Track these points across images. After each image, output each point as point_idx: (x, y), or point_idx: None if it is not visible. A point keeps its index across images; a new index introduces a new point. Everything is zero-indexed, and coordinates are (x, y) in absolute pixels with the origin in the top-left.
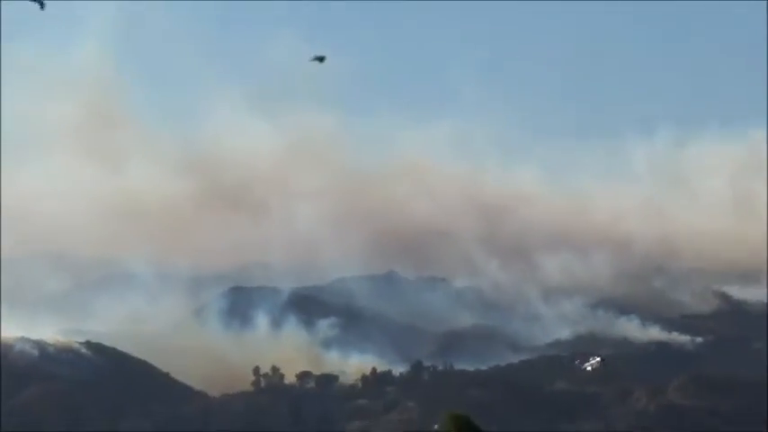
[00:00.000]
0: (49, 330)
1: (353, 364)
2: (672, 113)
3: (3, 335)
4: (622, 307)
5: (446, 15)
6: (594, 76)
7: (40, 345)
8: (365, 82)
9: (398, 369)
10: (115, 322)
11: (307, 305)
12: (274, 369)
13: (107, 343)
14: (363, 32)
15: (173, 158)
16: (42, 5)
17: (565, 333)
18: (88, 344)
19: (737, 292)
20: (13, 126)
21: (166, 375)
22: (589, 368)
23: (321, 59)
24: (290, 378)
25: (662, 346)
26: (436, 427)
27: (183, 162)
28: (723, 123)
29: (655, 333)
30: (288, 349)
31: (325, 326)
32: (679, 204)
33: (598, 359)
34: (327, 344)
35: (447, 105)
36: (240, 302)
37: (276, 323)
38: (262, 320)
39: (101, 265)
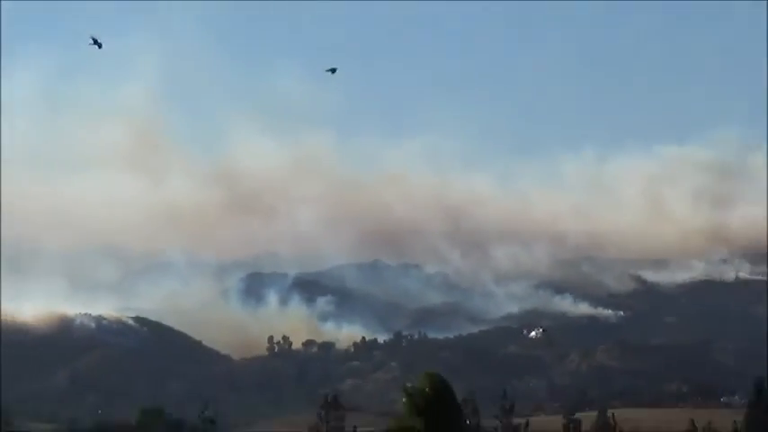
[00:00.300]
0: (105, 307)
1: (347, 334)
2: (596, 134)
3: (68, 311)
4: (558, 288)
5: (419, 54)
6: (536, 102)
7: (97, 319)
8: (354, 107)
9: (383, 337)
10: (157, 301)
11: (308, 287)
12: (284, 338)
13: (151, 317)
14: (353, 65)
15: (202, 173)
16: (100, 46)
17: (514, 308)
18: (136, 318)
19: (650, 275)
20: (77, 146)
21: (199, 343)
22: (533, 336)
23: (333, 71)
24: (296, 345)
25: (591, 319)
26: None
27: (210, 175)
28: (638, 142)
29: (585, 308)
30: (293, 321)
31: (322, 303)
32: (602, 207)
33: (540, 329)
34: (324, 317)
35: (419, 126)
36: (255, 285)
37: (283, 301)
38: (272, 299)
39: (145, 256)
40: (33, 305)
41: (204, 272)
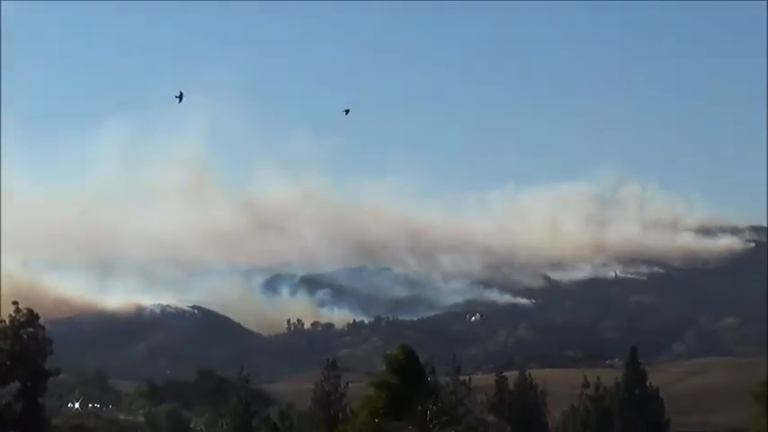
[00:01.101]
0: (169, 299)
1: (341, 317)
2: (514, 173)
3: (143, 302)
4: (488, 284)
5: (389, 114)
6: (471, 150)
7: (164, 307)
8: (345, 155)
9: (367, 320)
10: (206, 294)
11: (310, 284)
12: (298, 320)
13: (205, 306)
14: (344, 124)
15: (236, 203)
16: (181, 99)
17: (458, 299)
18: (193, 306)
19: (554, 275)
20: (149, 184)
21: (238, 325)
22: (474, 319)
23: (347, 112)
24: (307, 325)
25: (513, 306)
26: (388, 353)
27: (242, 205)
28: (543, 178)
29: (508, 298)
30: (300, 307)
31: (321, 294)
32: (518, 226)
33: (479, 315)
34: (323, 304)
35: (390, 169)
36: (273, 283)
37: (293, 293)
38: (285, 292)
39: (196, 263)
40: (116, 297)
41: (238, 274)
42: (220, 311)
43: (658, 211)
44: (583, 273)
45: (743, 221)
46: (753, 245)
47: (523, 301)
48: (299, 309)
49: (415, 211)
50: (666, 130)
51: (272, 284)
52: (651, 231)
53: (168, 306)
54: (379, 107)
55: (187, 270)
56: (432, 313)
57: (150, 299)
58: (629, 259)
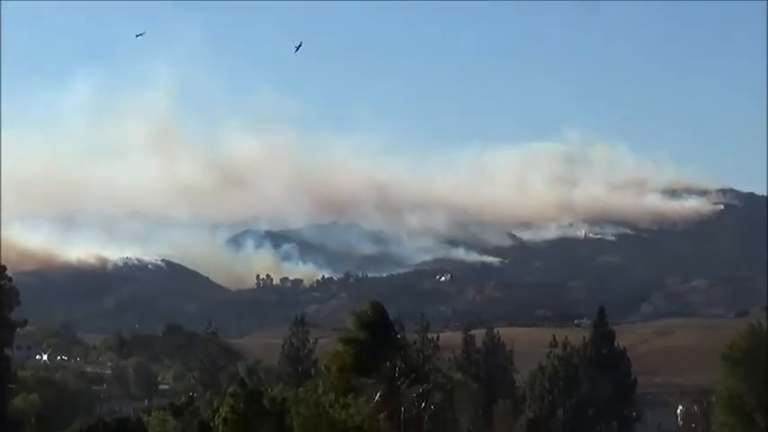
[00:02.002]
0: (137, 253)
1: (310, 273)
2: (481, 132)
3: (110, 256)
4: (455, 242)
5: (360, 70)
6: (438, 108)
7: (131, 261)
8: (311, 112)
9: (337, 276)
10: (175, 249)
11: (276, 238)
12: (267, 276)
13: (173, 260)
14: (311, 77)
15: (202, 158)
16: (141, 35)
17: (427, 257)
18: (162, 260)
19: (522, 234)
20: (115, 137)
21: (207, 279)
22: (443, 279)
23: (297, 48)
24: (275, 281)
25: (482, 264)
26: (357, 309)
27: (208, 160)
28: (510, 138)
29: (477, 257)
30: (266, 261)
31: (287, 248)
32: (485, 185)
33: (448, 275)
34: (288, 258)
35: (357, 125)
36: (242, 238)
37: (259, 246)
38: (252, 247)
39: (162, 217)
40: (82, 250)
41: (205, 229)
42: (189, 266)
43: (626, 171)
44: (551, 232)
45: (712, 184)
46: (722, 207)
47: (492, 259)
48: (266, 264)
49: (382, 169)
50: (636, 90)
51: (238, 240)
52: (619, 192)
53: (137, 260)
54: (346, 63)
55: (154, 224)
56: (401, 270)
57: (118, 252)
58: (597, 220)
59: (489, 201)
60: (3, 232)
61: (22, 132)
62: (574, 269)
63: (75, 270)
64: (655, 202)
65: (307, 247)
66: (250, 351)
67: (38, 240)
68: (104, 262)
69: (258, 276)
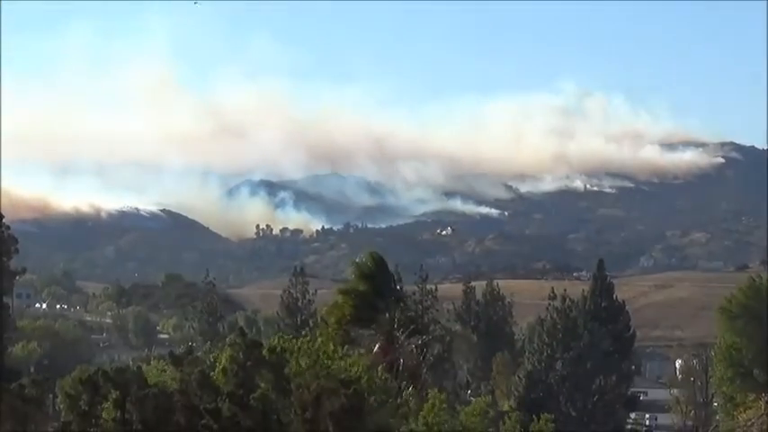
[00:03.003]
0: (137, 202)
1: (309, 224)
2: (477, 84)
3: (111, 205)
4: (453, 194)
5: (359, 19)
6: (435, 58)
7: (132, 210)
8: (308, 63)
9: (336, 226)
10: (177, 197)
11: (275, 190)
12: (267, 225)
13: (173, 209)
14: (309, 29)
15: (198, 108)
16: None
17: (425, 209)
18: (162, 210)
19: (522, 186)
20: (115, 86)
21: (207, 228)
22: (444, 233)
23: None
24: (275, 231)
25: (483, 216)
26: (356, 260)
27: (204, 110)
28: (506, 89)
29: (477, 209)
30: (261, 210)
31: (286, 200)
32: (481, 137)
33: (450, 228)
34: (289, 210)
35: (353, 75)
36: (240, 188)
37: (258, 199)
38: (251, 197)
39: (158, 165)
40: (82, 199)
41: (200, 178)
42: (189, 215)
43: (623, 124)
44: (551, 185)
45: (711, 137)
46: (722, 160)
47: (492, 211)
48: (262, 214)
49: (378, 119)
50: (633, 40)
51: (234, 189)
52: (615, 144)
53: (136, 209)
54: (343, 13)
55: (149, 173)
56: (401, 221)
57: (113, 201)
58: (594, 172)
59: (486, 152)
60: None
61: (17, 82)
62: (573, 222)
63: (72, 218)
64: (652, 155)
65: (303, 197)
66: (249, 301)
67: (36, 188)
68: (107, 211)
69: (258, 227)
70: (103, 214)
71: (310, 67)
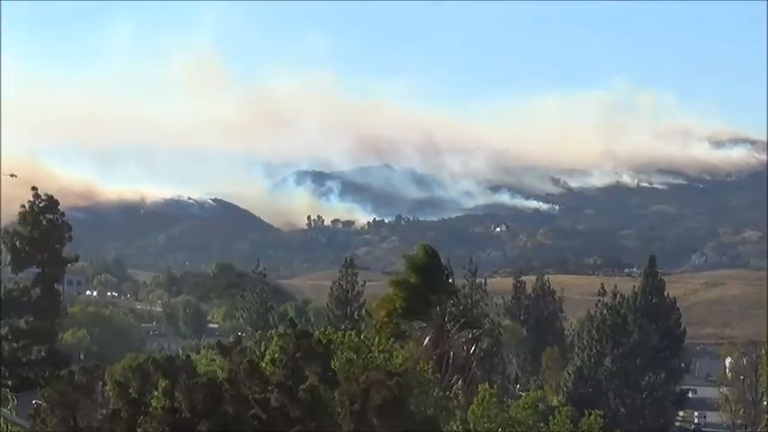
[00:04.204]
0: (193, 192)
1: (356, 213)
2: (524, 80)
3: (163, 195)
4: (503, 188)
5: (403, 16)
6: (483, 55)
7: (185, 199)
8: (356, 53)
9: (388, 218)
10: (223, 186)
11: (318, 177)
12: (318, 216)
13: (225, 199)
14: (351, 21)
15: (245, 97)
16: None
17: (477, 202)
18: (215, 199)
19: (573, 182)
20: (161, 73)
21: (259, 219)
22: (499, 230)
23: None
24: (327, 222)
25: (535, 211)
26: (408, 253)
27: (251, 99)
28: (554, 86)
29: (530, 203)
30: (309, 200)
31: (338, 191)
32: (528, 132)
33: (504, 226)
34: (340, 203)
35: (400, 68)
36: (285, 177)
37: (299, 183)
38: (301, 188)
39: (209, 155)
40: (123, 187)
41: (246, 167)
42: (242, 205)
43: (672, 120)
44: (599, 180)
45: (762, 135)
46: None
47: (543, 205)
48: (312, 205)
49: (425, 112)
50: (685, 38)
51: (284, 179)
52: (664, 140)
53: (188, 198)
54: (392, 5)
55: (198, 162)
56: (452, 215)
57: (166, 190)
58: (644, 168)
59: (533, 147)
60: (45, 167)
61: (64, 70)
62: (625, 218)
63: (121, 206)
64: (701, 152)
65: (350, 188)
66: (300, 292)
67: (79, 175)
68: (147, 198)
69: (309, 217)
70: (153, 202)
71: (358, 59)
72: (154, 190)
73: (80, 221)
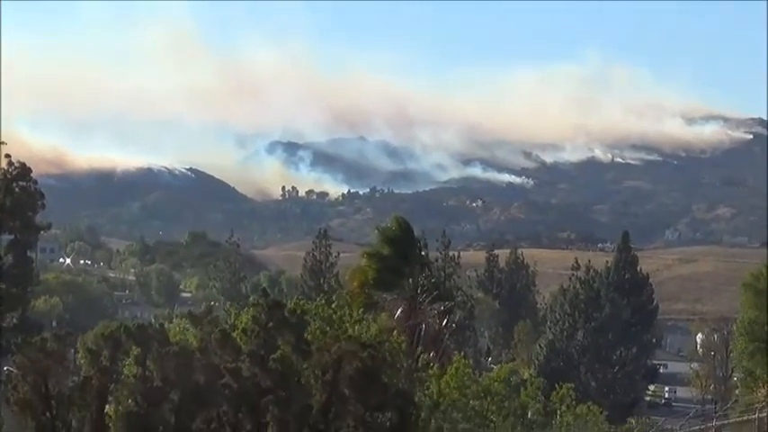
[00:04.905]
0: (167, 161)
1: (337, 187)
2: (496, 54)
3: (137, 164)
4: (472, 161)
5: None
6: (455, 28)
7: (159, 168)
8: (331, 26)
9: (362, 190)
10: (204, 156)
11: (290, 147)
12: (293, 187)
13: (199, 168)
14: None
15: (218, 65)
16: None
17: (447, 176)
18: (190, 168)
19: (547, 156)
20: (135, 42)
21: (233, 189)
22: (475, 205)
23: None
24: (301, 193)
25: (509, 185)
26: (381, 224)
27: (224, 67)
28: (526, 59)
29: (503, 177)
30: (280, 169)
31: (302, 154)
32: (502, 104)
33: (481, 201)
34: (314, 174)
35: (375, 42)
36: (258, 148)
37: (270, 152)
38: (262, 152)
39: (183, 123)
40: (106, 155)
41: (231, 139)
42: (216, 174)
43: (646, 96)
44: (575, 155)
45: (741, 113)
46: (750, 136)
47: (517, 180)
48: (285, 175)
49: (398, 84)
50: (661, 12)
51: (257, 149)
52: (638, 116)
53: (164, 167)
54: None
55: (172, 131)
56: (426, 187)
57: (144, 159)
58: (617, 144)
59: (505, 120)
60: (18, 134)
61: (36, 38)
62: (599, 193)
63: (94, 174)
64: (674, 128)
65: (323, 160)
66: (273, 262)
67: (50, 142)
68: (119, 167)
69: (284, 188)
70: (125, 171)
71: (333, 31)
72: (126, 158)
73: (53, 189)
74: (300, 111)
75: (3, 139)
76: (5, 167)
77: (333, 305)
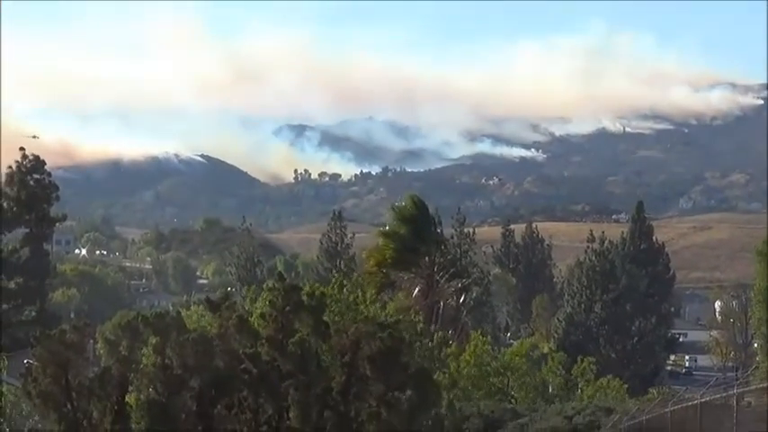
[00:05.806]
0: (174, 148)
1: (348, 169)
2: (502, 27)
3: (146, 152)
4: (478, 137)
5: None
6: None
7: (173, 156)
8: (331, 7)
9: (374, 170)
10: (221, 143)
11: (297, 129)
12: (305, 170)
13: (212, 155)
14: None
15: (222, 54)
16: None
17: (460, 153)
18: (202, 155)
19: (559, 129)
20: (139, 32)
21: (245, 173)
22: (491, 183)
23: None
24: (314, 175)
25: (522, 159)
26: (396, 203)
27: (228, 56)
28: (531, 32)
29: (516, 152)
30: (288, 151)
31: (309, 135)
32: (508, 79)
33: (497, 178)
34: (325, 155)
35: (377, 21)
36: (267, 133)
37: (277, 135)
38: (285, 142)
39: (190, 110)
40: (117, 145)
41: (226, 122)
42: (229, 161)
43: (652, 64)
44: (582, 126)
45: (749, 78)
46: (761, 102)
47: (530, 154)
48: (296, 158)
49: (403, 63)
50: None
51: (266, 134)
52: (646, 85)
53: (177, 154)
54: None
55: (179, 119)
56: (439, 165)
57: (153, 147)
58: (625, 114)
59: (512, 95)
60: (19, 127)
61: (41, 28)
62: (612, 164)
63: (104, 164)
64: (682, 96)
65: (332, 141)
66: (288, 246)
67: (59, 134)
68: (146, 157)
69: (296, 171)
70: (133, 160)
71: (336, 12)
72: (135, 147)
73: (65, 180)
74: (306, 93)
75: (11, 134)
76: (19, 160)
77: (344, 288)
